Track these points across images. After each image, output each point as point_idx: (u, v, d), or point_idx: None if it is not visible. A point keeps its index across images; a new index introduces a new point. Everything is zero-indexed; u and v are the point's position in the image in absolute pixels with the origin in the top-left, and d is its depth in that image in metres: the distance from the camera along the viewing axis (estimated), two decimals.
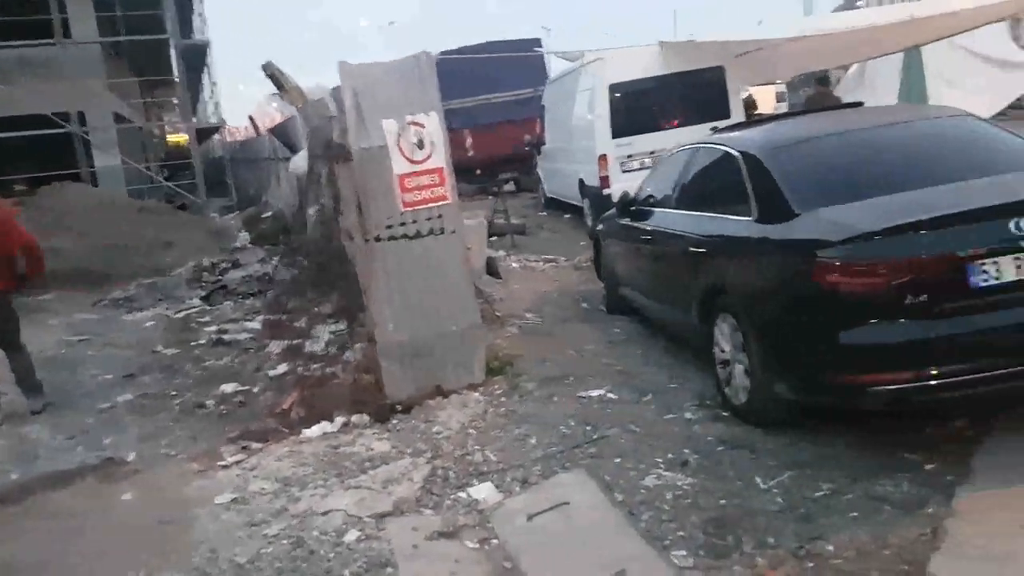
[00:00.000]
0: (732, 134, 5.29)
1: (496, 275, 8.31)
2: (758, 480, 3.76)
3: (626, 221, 6.35)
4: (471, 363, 5.26)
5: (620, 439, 4.41)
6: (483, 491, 4.04)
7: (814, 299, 3.69)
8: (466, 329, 5.21)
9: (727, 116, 10.64)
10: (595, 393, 5.15)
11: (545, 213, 14.66)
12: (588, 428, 4.62)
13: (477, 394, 5.20)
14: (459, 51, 17.40)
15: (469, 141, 17.61)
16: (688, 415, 4.65)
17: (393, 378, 5.01)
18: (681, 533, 3.38)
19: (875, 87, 20.86)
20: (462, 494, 4.02)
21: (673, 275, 5.31)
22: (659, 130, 10.67)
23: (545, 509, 3.77)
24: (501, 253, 10.36)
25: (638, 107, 10.81)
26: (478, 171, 17.77)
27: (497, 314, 6.80)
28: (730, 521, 3.41)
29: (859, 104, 5.95)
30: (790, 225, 3.99)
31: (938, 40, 11.96)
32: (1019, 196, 3.55)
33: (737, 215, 4.48)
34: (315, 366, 5.37)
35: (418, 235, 4.96)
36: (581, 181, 11.84)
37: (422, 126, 4.89)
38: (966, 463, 3.64)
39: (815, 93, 12.34)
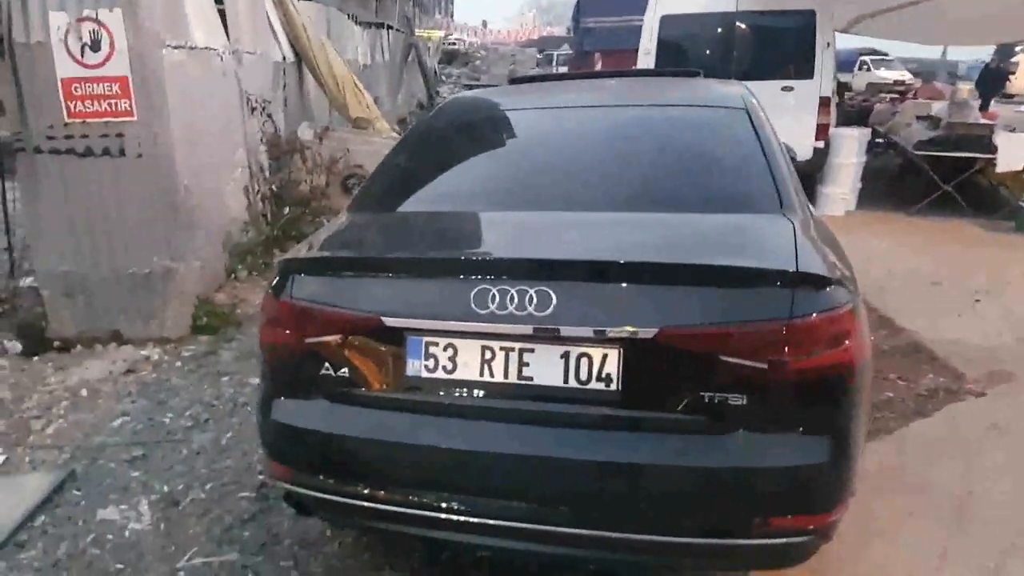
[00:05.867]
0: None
1: None
2: None
3: None
4: (161, 314, 4.53)
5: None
6: None
7: (263, 346, 2.51)
8: (153, 274, 4.46)
9: (809, 75, 8.39)
10: None
11: None
12: (189, 426, 3.77)
13: (158, 350, 4.49)
14: None
15: (599, 66, 15.97)
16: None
17: (56, 311, 4.44)
18: None
19: None
20: None
21: None
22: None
23: None
24: None
25: (695, 49, 8.83)
26: None
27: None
28: None
29: (696, 74, 4.05)
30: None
31: None
32: (526, 252, 2.15)
33: None
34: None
35: (88, 153, 4.22)
36: None
37: (99, 23, 4.07)
38: None
39: None
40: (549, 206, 2.52)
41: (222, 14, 5.59)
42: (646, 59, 8.86)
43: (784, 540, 1.98)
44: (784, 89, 8.43)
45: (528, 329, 1.98)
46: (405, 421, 2.13)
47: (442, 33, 40.87)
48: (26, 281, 4.72)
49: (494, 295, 2.00)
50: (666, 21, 8.70)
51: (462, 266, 2.11)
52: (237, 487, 3.19)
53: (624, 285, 2.00)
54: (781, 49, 8.58)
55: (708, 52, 8.77)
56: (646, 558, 2.12)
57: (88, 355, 4.40)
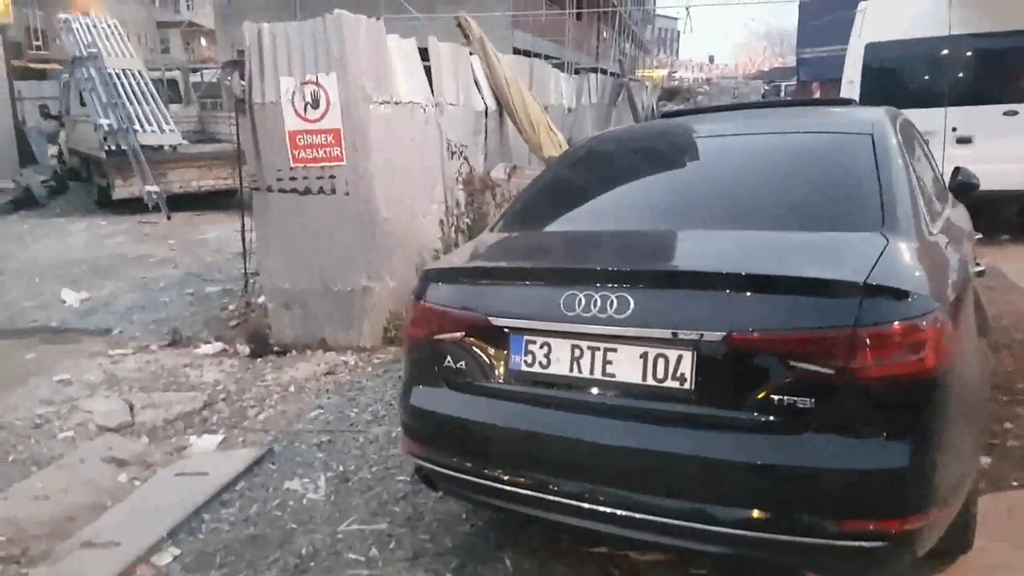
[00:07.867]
0: None
1: None
2: None
3: None
4: (359, 326, 5.27)
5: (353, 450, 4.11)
6: (207, 442, 4.25)
7: (405, 341, 3.01)
8: (355, 291, 5.21)
9: None
10: None
11: None
12: (369, 420, 4.39)
13: (354, 357, 5.22)
14: None
15: (817, 95, 15.43)
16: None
17: (278, 321, 5.33)
18: None
19: None
20: (193, 436, 4.30)
21: None
22: (929, 106, 8.11)
23: (189, 472, 3.87)
24: None
25: (903, 76, 8.38)
26: None
27: None
28: None
29: (848, 102, 3.97)
30: None
31: None
32: (617, 263, 2.44)
33: None
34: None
35: (307, 191, 5.07)
36: None
37: (319, 85, 4.91)
38: None
39: None
40: (653, 224, 2.81)
41: (430, 71, 6.40)
42: (849, 88, 8.58)
43: (854, 543, 2.05)
44: (1007, 113, 7.79)
45: (609, 330, 2.27)
46: (507, 409, 2.48)
47: (664, 72, 40.95)
48: (261, 298, 5.70)
49: (580, 300, 2.31)
50: (871, 49, 8.39)
51: (553, 274, 2.49)
52: (397, 471, 3.71)
53: (694, 292, 2.23)
54: (1002, 71, 7.95)
55: (918, 78, 8.34)
56: (718, 549, 2.26)
57: (300, 358, 5.24)
